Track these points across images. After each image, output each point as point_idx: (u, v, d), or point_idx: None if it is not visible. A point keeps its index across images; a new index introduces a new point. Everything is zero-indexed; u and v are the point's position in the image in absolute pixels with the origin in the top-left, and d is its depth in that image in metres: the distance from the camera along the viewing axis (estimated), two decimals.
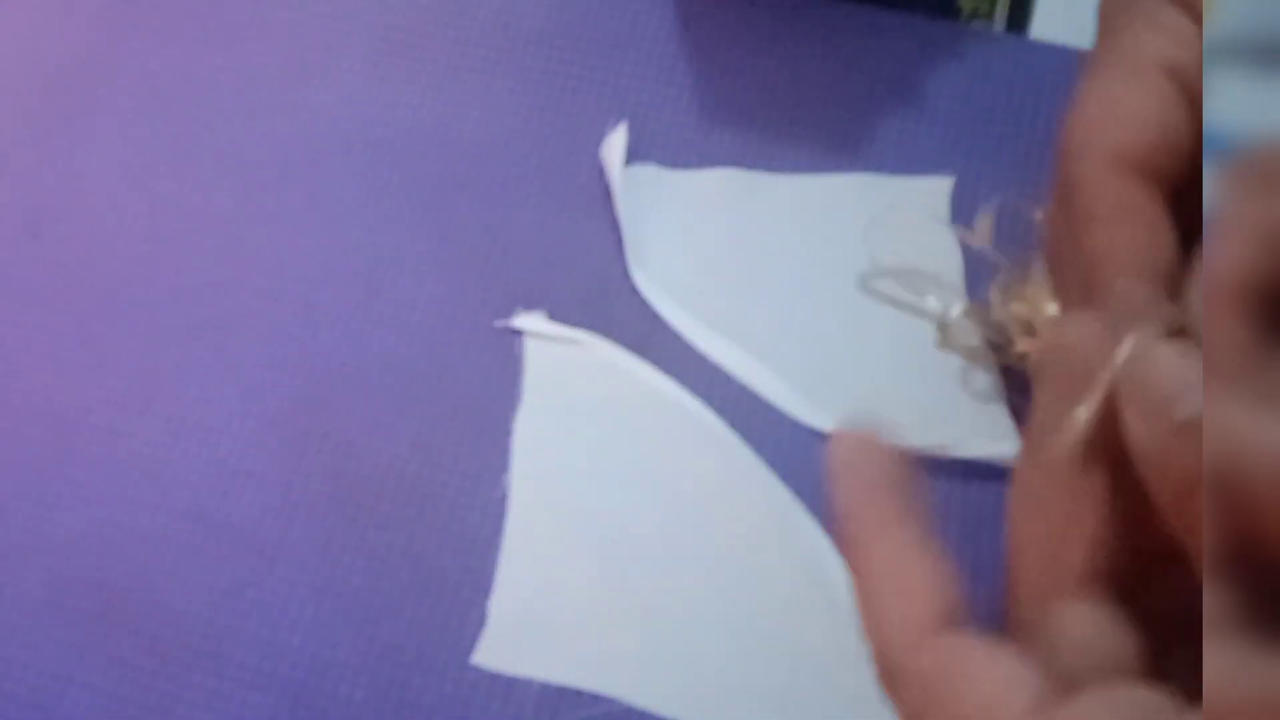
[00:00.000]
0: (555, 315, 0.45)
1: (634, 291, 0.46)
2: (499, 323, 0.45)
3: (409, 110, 0.50)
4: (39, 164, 0.50)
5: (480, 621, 0.40)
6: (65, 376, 0.45)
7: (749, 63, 0.50)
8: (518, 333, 0.45)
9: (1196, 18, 0.29)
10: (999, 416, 0.42)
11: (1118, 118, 0.29)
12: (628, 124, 0.49)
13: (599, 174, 0.48)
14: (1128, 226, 0.29)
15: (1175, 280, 0.28)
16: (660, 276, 0.46)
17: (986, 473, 0.41)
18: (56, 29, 0.53)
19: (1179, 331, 0.25)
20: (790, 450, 0.42)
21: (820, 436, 0.43)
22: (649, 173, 0.48)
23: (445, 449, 0.43)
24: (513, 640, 0.40)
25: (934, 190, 0.47)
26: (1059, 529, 0.26)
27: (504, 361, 0.45)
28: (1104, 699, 0.23)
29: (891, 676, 0.26)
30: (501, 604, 0.40)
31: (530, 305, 0.46)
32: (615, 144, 0.48)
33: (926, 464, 0.42)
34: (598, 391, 0.44)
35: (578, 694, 0.39)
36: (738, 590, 0.40)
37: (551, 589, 0.41)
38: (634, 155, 0.48)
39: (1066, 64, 0.47)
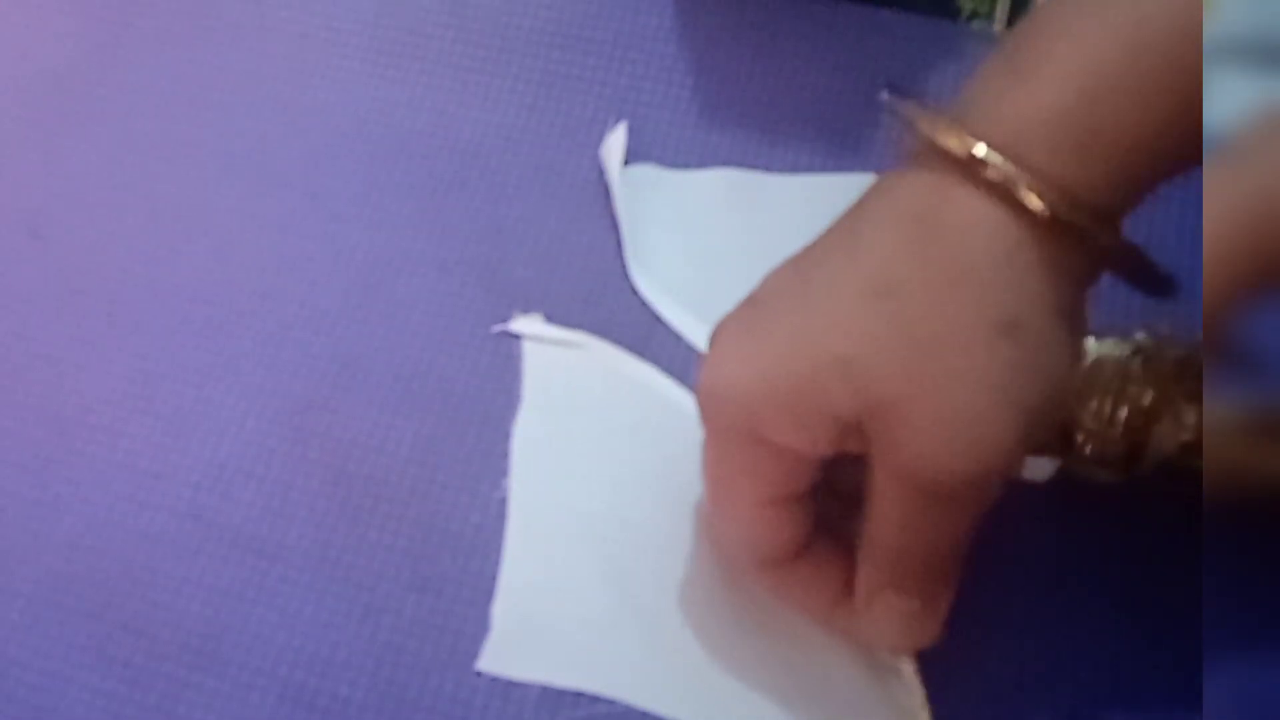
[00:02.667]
0: (554, 315, 0.45)
1: (633, 292, 0.46)
2: (497, 326, 0.45)
3: (409, 110, 0.50)
4: (39, 164, 0.50)
5: (480, 621, 0.40)
6: (65, 376, 0.45)
7: (749, 63, 0.50)
8: (516, 336, 0.45)
9: (786, 461, 0.35)
10: None
11: (746, 549, 0.37)
12: (628, 124, 0.49)
13: (599, 174, 0.48)
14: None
15: None
16: (660, 276, 0.46)
17: None
18: (56, 29, 0.53)
19: None
20: None
21: None
22: (648, 173, 0.48)
23: (445, 449, 0.43)
24: (517, 646, 0.40)
25: None
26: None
27: (504, 361, 0.45)
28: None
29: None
30: (505, 609, 0.40)
31: (529, 305, 0.46)
32: (615, 144, 0.48)
33: None
34: (597, 393, 0.44)
35: (578, 694, 0.39)
36: (738, 591, 0.40)
37: (554, 593, 0.41)
38: (634, 155, 0.48)
39: None
